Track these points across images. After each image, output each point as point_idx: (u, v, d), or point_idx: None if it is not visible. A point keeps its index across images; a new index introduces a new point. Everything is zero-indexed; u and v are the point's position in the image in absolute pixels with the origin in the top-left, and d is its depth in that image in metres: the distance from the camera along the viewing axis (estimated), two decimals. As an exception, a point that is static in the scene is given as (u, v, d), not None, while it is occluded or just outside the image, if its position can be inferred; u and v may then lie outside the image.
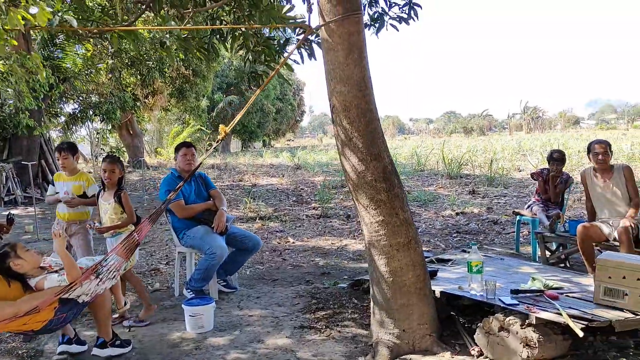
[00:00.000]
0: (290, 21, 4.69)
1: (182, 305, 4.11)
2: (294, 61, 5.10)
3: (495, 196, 10.99)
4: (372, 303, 3.68)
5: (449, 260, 4.96)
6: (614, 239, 4.68)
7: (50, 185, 4.96)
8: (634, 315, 3.25)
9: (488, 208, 9.63)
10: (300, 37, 4.63)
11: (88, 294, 3.27)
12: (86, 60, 14.69)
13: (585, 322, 3.12)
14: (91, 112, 16.86)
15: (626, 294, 3.34)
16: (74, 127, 18.34)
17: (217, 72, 29.41)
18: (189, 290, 4.70)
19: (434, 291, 3.82)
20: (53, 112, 16.07)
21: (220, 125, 3.70)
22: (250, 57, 5.06)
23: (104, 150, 23.80)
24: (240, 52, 5.22)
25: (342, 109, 3.42)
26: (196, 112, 23.62)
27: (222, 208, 4.89)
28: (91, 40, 12.56)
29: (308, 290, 5.00)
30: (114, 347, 3.63)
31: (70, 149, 4.72)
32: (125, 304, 4.20)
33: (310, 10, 4.23)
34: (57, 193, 4.72)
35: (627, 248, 4.42)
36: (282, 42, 5.35)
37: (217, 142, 3.81)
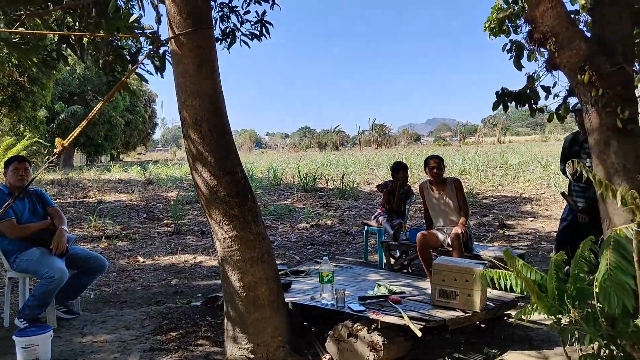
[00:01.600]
0: (139, 31, 4.53)
1: (13, 337, 3.69)
2: (148, 71, 4.92)
3: (346, 208, 11.53)
4: (225, 319, 3.64)
5: (302, 271, 5.09)
6: (448, 245, 5.17)
7: None
8: (464, 313, 3.61)
9: (340, 220, 10.06)
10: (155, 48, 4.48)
11: None
12: None
13: (423, 323, 3.40)
14: None
15: (457, 295, 3.70)
16: None
17: (58, 80, 27.07)
18: (22, 320, 4.23)
19: (287, 303, 3.88)
20: None
21: (57, 138, 3.41)
22: (102, 66, 4.78)
23: None
24: (88, 61, 4.92)
25: (193, 122, 3.36)
26: (33, 123, 21.43)
27: (61, 227, 4.50)
28: None
29: (159, 310, 4.78)
30: None
31: None
32: None
33: (159, 21, 4.12)
34: None
35: (459, 253, 4.91)
36: (133, 51, 5.13)
37: (52, 156, 3.49)
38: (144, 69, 4.58)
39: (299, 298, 4.11)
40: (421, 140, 76.83)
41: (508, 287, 2.14)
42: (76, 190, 15.36)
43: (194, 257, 7.27)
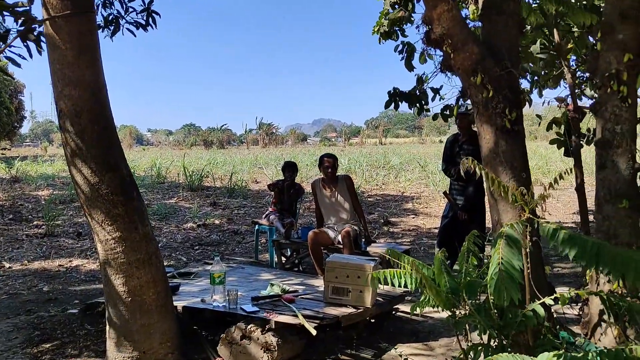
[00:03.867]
0: (13, 10, 4.05)
1: None
2: (20, 55, 4.39)
3: (235, 207, 11.33)
4: (108, 327, 3.37)
5: (191, 273, 4.89)
6: (339, 242, 5.25)
7: None
8: (356, 310, 3.67)
9: (229, 219, 9.86)
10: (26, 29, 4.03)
11: None
12: None
13: (318, 321, 3.40)
14: None
15: (349, 291, 3.76)
16: None
17: None
18: None
19: (176, 307, 3.70)
20: None
21: None
22: None
23: None
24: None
25: (72, 114, 3.08)
26: None
27: None
28: None
29: (29, 320, 4.34)
30: None
31: None
32: None
33: (31, 1, 3.72)
34: None
35: (349, 249, 5.00)
36: (2, 33, 4.59)
37: None
38: (15, 53, 4.11)
39: (189, 301, 3.93)
40: (308, 140, 78.16)
41: (402, 284, 2.18)
42: None
43: (70, 261, 6.71)
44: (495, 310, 1.89)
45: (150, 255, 3.32)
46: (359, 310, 3.67)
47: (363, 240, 5.43)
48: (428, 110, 4.12)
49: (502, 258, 1.66)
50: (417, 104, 4.03)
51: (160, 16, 5.58)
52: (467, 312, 1.94)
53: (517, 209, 2.03)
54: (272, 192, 6.71)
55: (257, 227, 6.67)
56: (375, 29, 5.30)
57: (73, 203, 11.12)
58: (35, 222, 9.29)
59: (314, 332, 3.26)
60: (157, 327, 3.33)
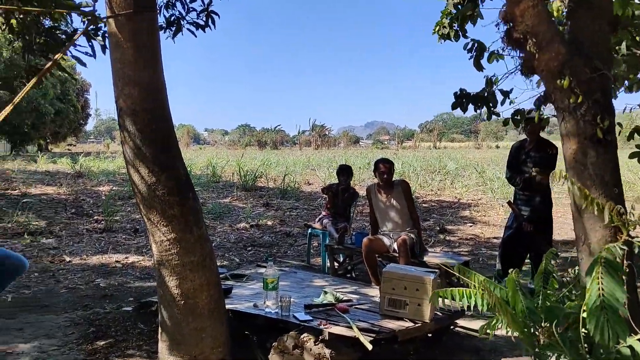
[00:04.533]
0: (80, 9, 4.11)
1: None
2: (86, 53, 4.47)
3: (287, 209, 11.31)
4: (160, 328, 3.34)
5: (244, 276, 4.83)
6: (394, 251, 5.06)
7: None
8: (413, 324, 3.49)
9: (281, 220, 9.83)
10: (90, 30, 4.09)
11: None
12: None
13: (373, 335, 3.24)
14: None
15: (407, 304, 3.58)
16: None
17: (-19, 63, 25.20)
18: None
19: (228, 311, 3.63)
20: None
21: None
22: (33, 48, 4.31)
23: None
24: (16, 43, 4.43)
25: (131, 112, 3.05)
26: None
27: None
28: None
29: (85, 316, 4.40)
30: None
31: None
32: None
33: (96, -2, 3.75)
34: None
35: (405, 259, 4.80)
36: (69, 32, 4.70)
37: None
38: (81, 52, 4.17)
39: (241, 305, 3.86)
40: (360, 143, 77.93)
41: (472, 305, 2.00)
42: (-3, 181, 14.29)
43: (126, 257, 6.83)
44: (585, 344, 1.68)
45: (204, 258, 3.26)
46: (416, 325, 3.49)
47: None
48: (497, 114, 3.87)
49: (602, 289, 1.45)
50: (486, 107, 3.79)
51: (219, 17, 5.58)
52: (548, 340, 1.75)
53: (608, 228, 1.81)
54: (326, 196, 6.59)
55: (309, 230, 6.57)
56: (436, 29, 5.09)
57: (131, 200, 11.40)
58: (95, 217, 9.57)
59: (369, 347, 3.10)
60: (209, 332, 3.26)
